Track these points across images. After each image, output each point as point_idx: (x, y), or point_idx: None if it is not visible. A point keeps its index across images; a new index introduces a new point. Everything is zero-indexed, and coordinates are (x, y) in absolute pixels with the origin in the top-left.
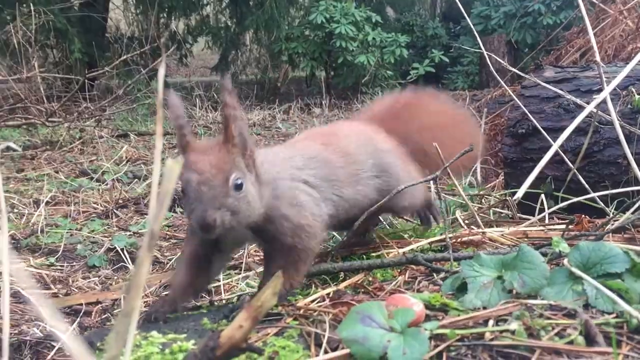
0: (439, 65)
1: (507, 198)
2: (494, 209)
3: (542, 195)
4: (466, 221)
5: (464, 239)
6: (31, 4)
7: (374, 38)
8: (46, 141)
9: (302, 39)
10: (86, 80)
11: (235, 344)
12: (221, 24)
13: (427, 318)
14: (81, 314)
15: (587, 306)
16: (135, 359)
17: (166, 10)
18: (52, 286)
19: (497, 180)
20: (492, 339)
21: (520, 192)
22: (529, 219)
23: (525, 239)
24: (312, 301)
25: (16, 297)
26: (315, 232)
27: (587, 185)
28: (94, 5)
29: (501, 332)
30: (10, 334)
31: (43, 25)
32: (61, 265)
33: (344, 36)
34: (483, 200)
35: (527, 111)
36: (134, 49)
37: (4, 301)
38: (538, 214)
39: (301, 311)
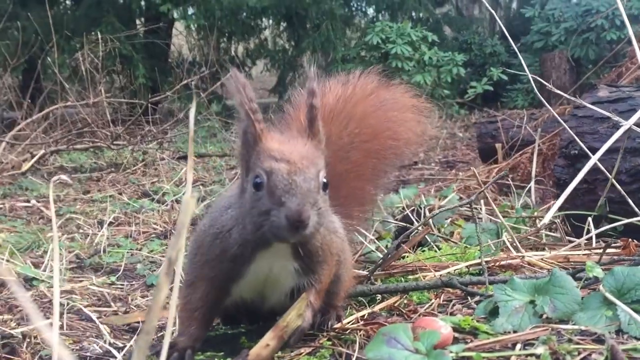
0: (498, 84)
1: (556, 220)
2: (545, 231)
3: (590, 218)
4: (514, 244)
5: (502, 262)
6: (99, 32)
7: (430, 57)
8: (111, 163)
9: (358, 60)
10: (149, 105)
11: None
12: (279, 47)
13: (456, 341)
14: (138, 331)
15: (619, 332)
16: None
17: (226, 35)
18: (112, 304)
19: (553, 202)
20: None
21: (548, 216)
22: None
23: (567, 263)
24: (347, 323)
25: (78, 314)
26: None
27: (635, 207)
28: (158, 32)
29: (527, 356)
30: (72, 349)
31: (110, 52)
32: (121, 284)
33: (400, 56)
34: (536, 222)
35: (572, 132)
36: (195, 73)
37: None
38: (587, 237)
39: (335, 332)
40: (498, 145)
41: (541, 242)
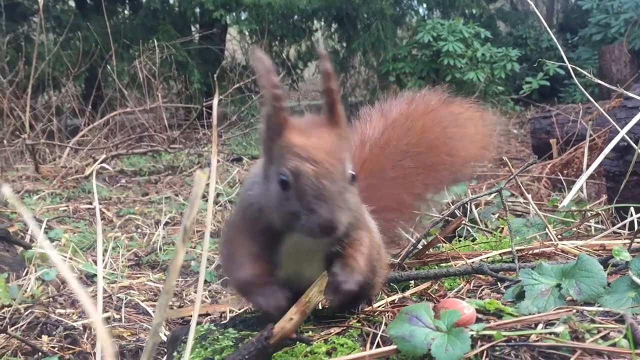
0: (555, 79)
1: (600, 212)
2: (594, 224)
3: (632, 208)
4: (558, 236)
5: (536, 251)
6: (155, 40)
7: (483, 54)
8: (168, 166)
9: (410, 59)
10: (204, 109)
11: (286, 334)
12: (330, 49)
13: (479, 321)
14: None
15: None
16: (212, 351)
17: (278, 38)
18: None
19: (605, 197)
20: (536, 341)
21: (566, 200)
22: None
23: (602, 251)
24: (378, 307)
25: (135, 308)
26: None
27: None
28: (212, 38)
29: (547, 334)
30: (130, 341)
31: (166, 59)
32: (177, 280)
33: (452, 53)
34: (588, 215)
35: (616, 125)
36: (247, 77)
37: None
38: (624, 226)
39: (365, 314)
40: (552, 141)
41: (584, 234)
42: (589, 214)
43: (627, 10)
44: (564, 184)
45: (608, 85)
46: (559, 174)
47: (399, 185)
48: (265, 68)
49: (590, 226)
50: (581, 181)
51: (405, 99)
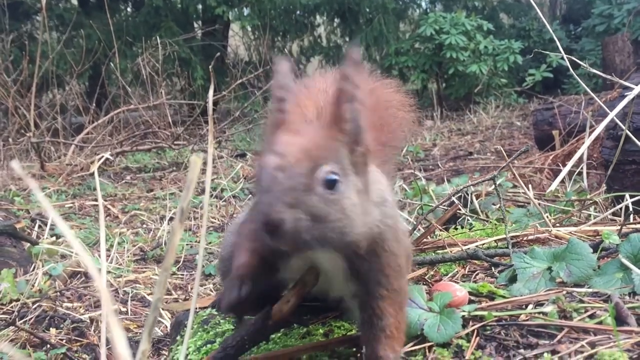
0: (558, 70)
1: (597, 200)
2: (593, 212)
3: (627, 195)
4: (557, 224)
5: (531, 237)
6: (158, 37)
7: (485, 46)
8: (173, 163)
9: (412, 52)
10: (207, 105)
11: (284, 315)
12: (332, 43)
13: (472, 303)
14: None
15: (633, 294)
16: (214, 334)
17: (281, 34)
18: (173, 292)
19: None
20: (525, 320)
21: (553, 186)
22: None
23: (596, 237)
24: None
25: (141, 301)
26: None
27: None
28: (214, 34)
29: (536, 314)
30: (136, 333)
31: (169, 56)
32: (182, 274)
33: (454, 47)
34: (585, 204)
35: (613, 115)
36: (250, 72)
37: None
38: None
39: None
40: (555, 132)
41: (582, 222)
42: (550, 190)
43: (630, 0)
44: (566, 173)
45: (604, 75)
46: (560, 165)
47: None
48: (280, 70)
49: (590, 215)
50: (567, 168)
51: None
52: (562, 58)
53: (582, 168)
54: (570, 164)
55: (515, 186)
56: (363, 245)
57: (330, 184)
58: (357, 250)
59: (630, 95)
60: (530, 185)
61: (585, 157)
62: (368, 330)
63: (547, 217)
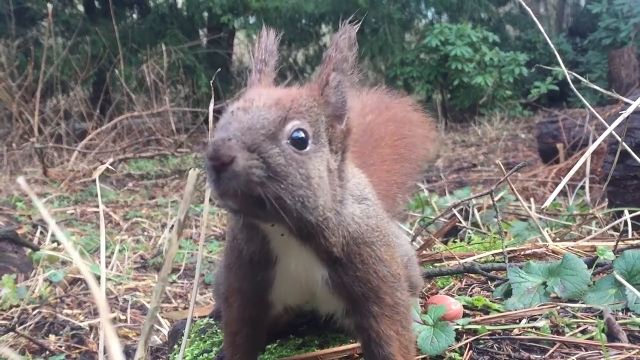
0: (564, 83)
1: (597, 215)
2: (594, 227)
3: (626, 210)
4: (557, 238)
5: (528, 251)
6: (163, 44)
7: (491, 58)
8: (175, 170)
9: (418, 63)
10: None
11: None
12: None
13: (466, 316)
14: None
15: (625, 310)
16: (211, 343)
17: (286, 42)
18: (173, 300)
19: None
20: (518, 335)
21: (549, 201)
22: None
23: (593, 252)
24: None
25: (141, 309)
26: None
27: None
28: (220, 42)
29: (529, 328)
30: (135, 341)
31: (173, 63)
32: (182, 282)
33: (459, 58)
34: (586, 219)
35: (611, 130)
36: None
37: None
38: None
39: None
40: (559, 145)
41: (581, 237)
42: (545, 206)
43: (637, 14)
44: (568, 188)
45: (603, 90)
46: (562, 179)
47: (382, 171)
48: (264, 35)
49: (591, 230)
50: (564, 182)
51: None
52: (566, 73)
53: (584, 182)
54: (566, 178)
55: (517, 199)
56: (337, 241)
57: (299, 143)
58: (331, 248)
59: (627, 112)
60: (532, 199)
61: (587, 171)
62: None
63: (547, 231)
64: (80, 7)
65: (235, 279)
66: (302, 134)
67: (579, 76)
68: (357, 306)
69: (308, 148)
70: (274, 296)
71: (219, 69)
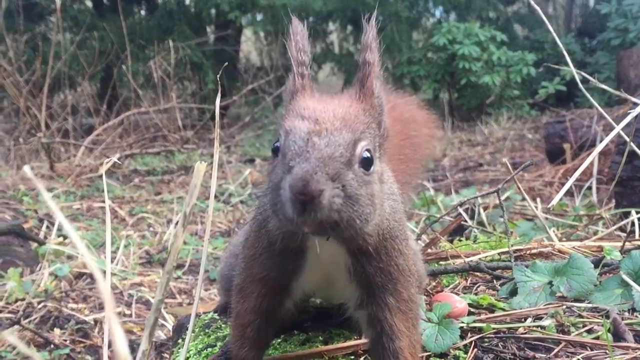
0: (572, 83)
1: (604, 215)
2: (601, 227)
3: (633, 211)
4: (564, 238)
5: (534, 250)
6: (171, 41)
7: (499, 57)
8: (181, 166)
9: (425, 62)
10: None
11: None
12: (344, 51)
13: (472, 315)
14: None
15: (632, 310)
16: (215, 338)
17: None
18: (177, 296)
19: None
20: (524, 333)
21: (554, 200)
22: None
23: (599, 252)
24: None
25: (146, 304)
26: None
27: None
28: (227, 39)
29: (535, 327)
30: (140, 336)
31: (181, 60)
32: (187, 278)
33: (467, 57)
34: (593, 219)
35: (621, 132)
36: (261, 78)
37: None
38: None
39: None
40: (566, 146)
41: (588, 237)
42: (552, 204)
43: None
44: (574, 188)
45: (612, 90)
46: (569, 179)
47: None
48: (296, 31)
49: (597, 230)
50: (570, 182)
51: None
52: (574, 72)
53: (591, 183)
54: (573, 177)
55: (523, 199)
56: (372, 240)
57: (367, 164)
58: (365, 245)
59: (635, 111)
60: (539, 199)
61: (595, 171)
62: (379, 355)
63: (554, 231)
64: (89, 3)
65: (261, 268)
66: (368, 154)
67: (587, 76)
68: (373, 297)
69: (373, 166)
70: (297, 284)
71: (227, 63)
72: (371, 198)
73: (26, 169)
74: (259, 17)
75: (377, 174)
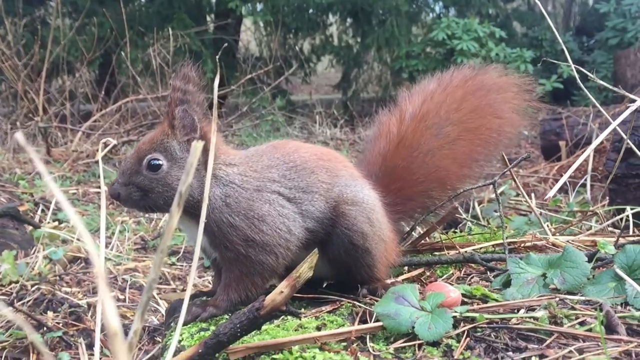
0: (569, 81)
1: (598, 211)
2: (594, 223)
3: (628, 207)
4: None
5: (528, 243)
6: (170, 29)
7: (497, 54)
8: None
9: (424, 56)
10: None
11: (276, 306)
12: (344, 43)
13: (465, 304)
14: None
15: (625, 304)
16: (207, 322)
17: (293, 31)
18: (171, 282)
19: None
20: (516, 324)
21: (552, 192)
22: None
23: (593, 247)
24: None
25: (140, 290)
26: (274, 248)
27: None
28: (227, 28)
29: (527, 318)
30: (132, 320)
31: (180, 48)
32: (181, 265)
33: (465, 52)
34: (587, 215)
35: (615, 125)
36: (260, 68)
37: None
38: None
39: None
40: (562, 143)
41: (581, 232)
42: (549, 196)
43: None
44: (569, 185)
45: (612, 87)
46: (563, 175)
47: (442, 155)
48: (184, 74)
49: (591, 226)
50: (565, 176)
51: (438, 76)
52: (572, 69)
53: (586, 180)
54: (568, 173)
55: (518, 194)
56: (195, 210)
57: (154, 168)
58: (210, 228)
59: (632, 107)
60: (533, 194)
61: (589, 168)
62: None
63: (548, 225)
64: None
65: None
66: (154, 162)
67: (587, 72)
68: (215, 246)
69: (162, 167)
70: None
71: (225, 44)
72: (166, 186)
73: (18, 135)
74: (259, 6)
75: (177, 168)
